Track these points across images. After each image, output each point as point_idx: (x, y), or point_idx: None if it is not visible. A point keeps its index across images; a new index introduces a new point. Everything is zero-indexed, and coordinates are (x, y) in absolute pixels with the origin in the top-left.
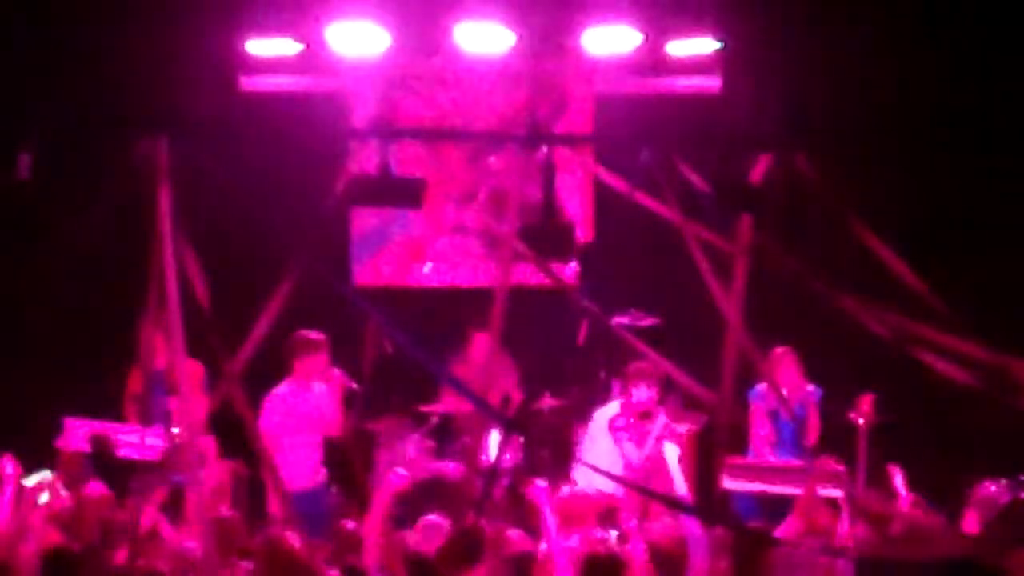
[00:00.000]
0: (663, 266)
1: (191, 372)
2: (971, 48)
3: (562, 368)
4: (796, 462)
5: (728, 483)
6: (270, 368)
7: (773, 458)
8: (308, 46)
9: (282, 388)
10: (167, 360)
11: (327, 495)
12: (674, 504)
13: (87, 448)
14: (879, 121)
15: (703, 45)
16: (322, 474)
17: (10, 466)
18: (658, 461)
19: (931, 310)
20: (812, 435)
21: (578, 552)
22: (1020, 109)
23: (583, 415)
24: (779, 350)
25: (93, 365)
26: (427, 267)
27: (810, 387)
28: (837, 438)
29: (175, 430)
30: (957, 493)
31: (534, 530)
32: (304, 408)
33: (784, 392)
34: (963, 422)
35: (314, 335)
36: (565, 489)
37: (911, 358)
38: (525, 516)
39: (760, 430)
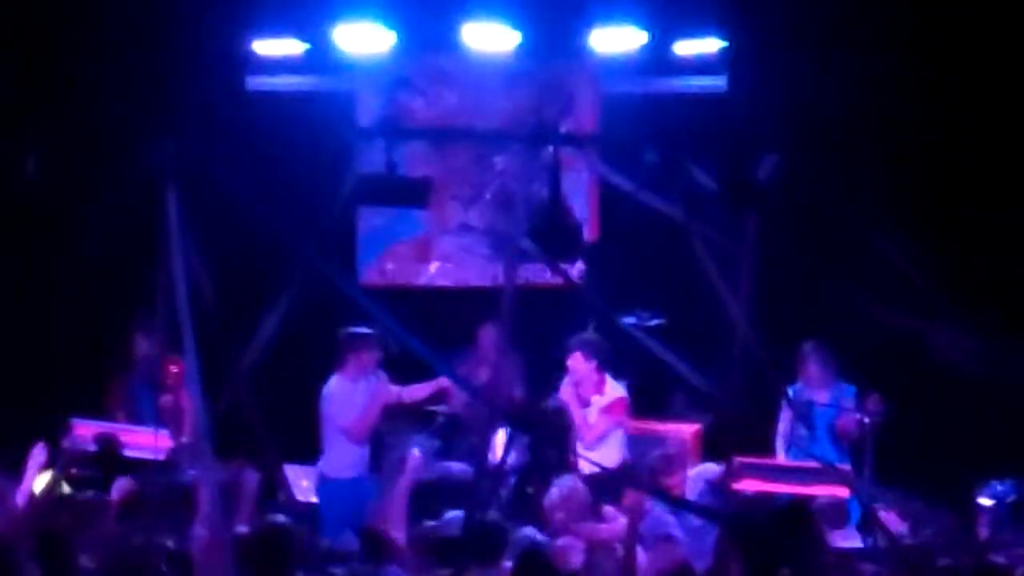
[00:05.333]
0: (669, 266)
1: (179, 371)
2: (974, 48)
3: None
4: (806, 463)
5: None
6: (276, 368)
7: (795, 455)
8: (314, 46)
9: (334, 382)
10: (164, 360)
11: (368, 485)
12: (681, 504)
13: (93, 448)
14: (885, 120)
15: (709, 45)
16: (364, 464)
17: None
18: None
19: (936, 306)
20: (844, 435)
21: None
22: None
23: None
24: (807, 345)
25: (98, 366)
26: (433, 267)
27: (843, 385)
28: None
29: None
30: (964, 493)
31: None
32: (354, 401)
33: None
34: (971, 422)
35: (369, 331)
36: (564, 484)
37: (917, 357)
38: (531, 515)
39: (789, 427)
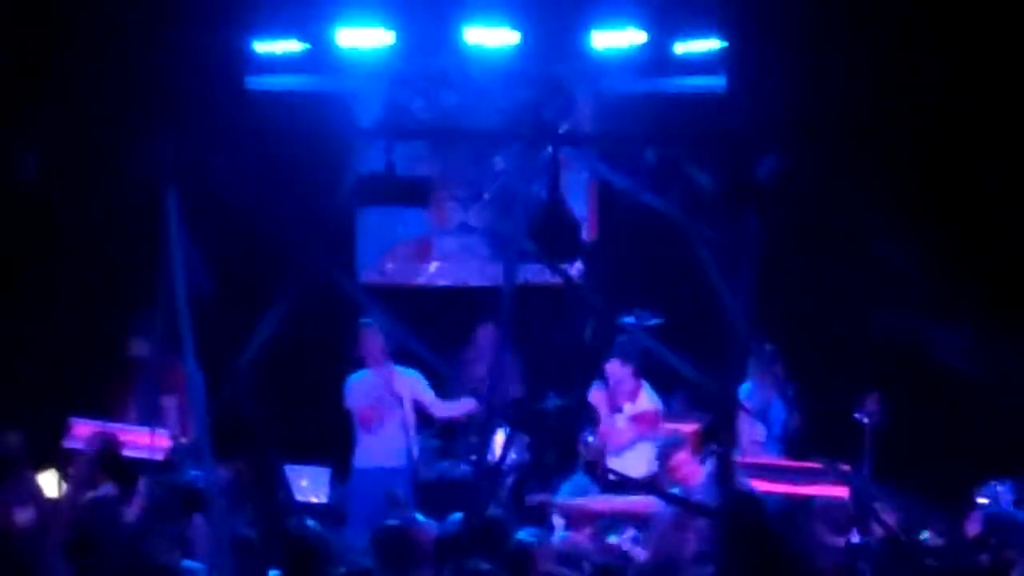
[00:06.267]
0: (668, 265)
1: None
2: (976, 50)
3: (568, 367)
4: (808, 463)
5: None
6: (275, 368)
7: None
8: (314, 46)
9: (356, 374)
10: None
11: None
12: (691, 507)
13: (92, 448)
14: (885, 120)
15: (708, 44)
16: (387, 455)
17: None
18: None
19: (936, 306)
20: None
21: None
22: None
23: (588, 414)
24: (767, 348)
25: (97, 365)
26: (433, 267)
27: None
28: (842, 437)
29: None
30: (964, 493)
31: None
32: (366, 390)
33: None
34: (971, 422)
35: (370, 321)
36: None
37: (917, 357)
38: (530, 514)
39: (749, 430)
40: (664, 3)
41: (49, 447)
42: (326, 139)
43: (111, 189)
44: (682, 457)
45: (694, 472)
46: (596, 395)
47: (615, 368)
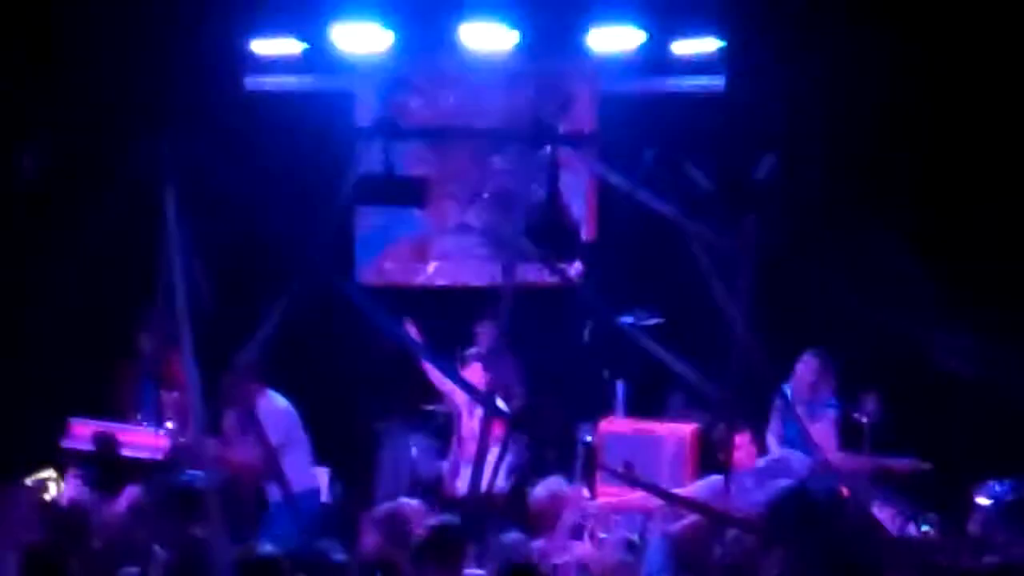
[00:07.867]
0: (667, 266)
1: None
2: (977, 49)
3: (567, 367)
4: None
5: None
6: (275, 368)
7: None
8: (312, 46)
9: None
10: (166, 359)
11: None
12: (695, 508)
13: (92, 448)
14: (884, 121)
15: (707, 44)
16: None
17: None
18: None
19: (937, 307)
20: (823, 446)
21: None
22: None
23: (586, 414)
24: (808, 352)
25: (96, 365)
26: (431, 266)
27: (830, 397)
28: (842, 437)
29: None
30: (963, 493)
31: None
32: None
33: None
34: (971, 422)
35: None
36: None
37: (917, 357)
38: (527, 515)
39: (781, 425)
40: (663, 3)
41: (49, 447)
42: (325, 139)
43: (111, 189)
44: (740, 439)
45: (748, 456)
46: (460, 398)
47: (475, 372)
